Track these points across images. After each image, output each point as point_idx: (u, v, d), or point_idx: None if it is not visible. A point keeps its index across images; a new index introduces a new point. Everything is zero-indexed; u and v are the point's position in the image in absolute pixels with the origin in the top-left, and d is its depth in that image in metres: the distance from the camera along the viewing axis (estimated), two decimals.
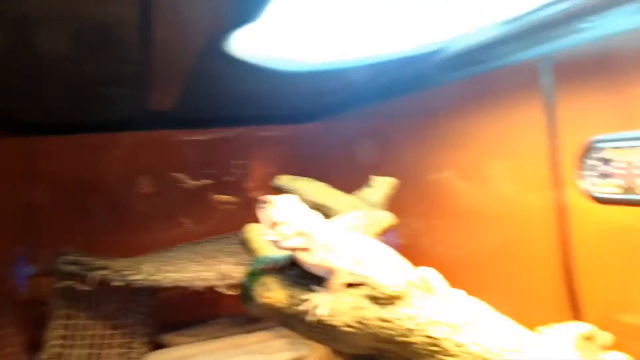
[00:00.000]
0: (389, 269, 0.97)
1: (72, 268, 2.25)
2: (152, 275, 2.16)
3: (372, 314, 0.93)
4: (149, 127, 2.70)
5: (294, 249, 0.97)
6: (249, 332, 2.50)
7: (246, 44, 1.21)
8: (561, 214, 1.18)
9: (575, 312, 1.17)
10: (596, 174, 0.99)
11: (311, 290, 0.98)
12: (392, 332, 0.92)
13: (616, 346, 0.94)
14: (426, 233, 1.81)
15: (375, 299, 0.93)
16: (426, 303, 0.93)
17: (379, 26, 1.18)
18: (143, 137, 2.79)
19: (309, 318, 0.96)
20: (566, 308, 1.19)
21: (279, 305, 1.01)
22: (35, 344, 2.41)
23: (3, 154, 2.49)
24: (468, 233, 1.62)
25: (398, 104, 1.99)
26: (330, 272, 0.96)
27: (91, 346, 2.42)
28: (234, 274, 2.14)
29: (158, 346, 2.50)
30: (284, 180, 1.62)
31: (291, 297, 1.00)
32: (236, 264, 2.18)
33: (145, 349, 2.47)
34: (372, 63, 1.50)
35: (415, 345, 0.91)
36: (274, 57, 1.34)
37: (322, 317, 0.95)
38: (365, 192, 1.59)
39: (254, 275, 1.04)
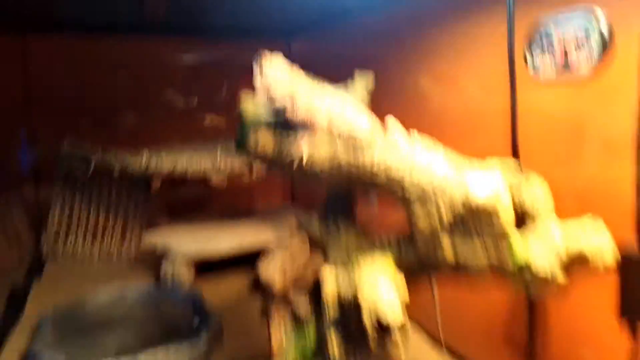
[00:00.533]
0: (359, 119, 1.16)
1: (72, 158, 2.40)
2: (148, 164, 2.32)
3: (345, 160, 1.13)
4: (145, 32, 2.78)
5: (282, 109, 1.15)
6: (238, 221, 2.72)
7: None
8: (512, 92, 1.38)
9: None
10: (539, 52, 1.17)
11: (295, 139, 1.17)
12: (360, 175, 1.12)
13: None
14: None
15: (347, 147, 1.13)
16: (388, 150, 1.12)
17: None
18: (141, 43, 2.88)
19: (293, 163, 1.16)
20: None
21: (268, 152, 1.20)
22: (37, 226, 2.62)
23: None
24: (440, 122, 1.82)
25: (379, 19, 2.13)
26: (311, 125, 1.15)
27: (91, 228, 2.62)
28: (227, 165, 2.33)
29: None
30: None
31: (278, 144, 1.19)
32: (228, 155, 2.37)
33: (140, 238, 2.68)
34: None
35: (379, 183, 1.12)
36: None
37: (304, 162, 1.15)
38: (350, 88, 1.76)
39: (247, 127, 1.22)
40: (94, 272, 2.58)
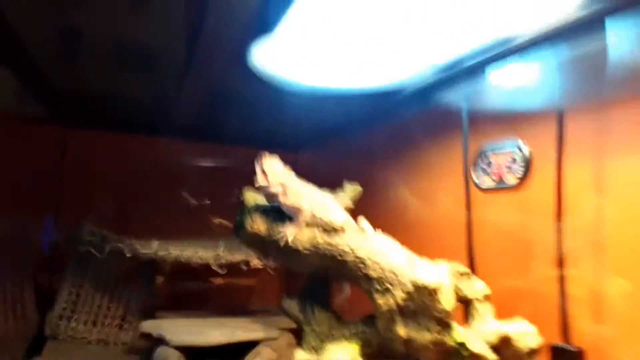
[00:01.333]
0: (335, 212, 1.44)
1: (91, 238, 2.65)
2: (159, 250, 2.57)
3: (322, 240, 1.39)
4: (171, 134, 3.17)
5: (275, 194, 1.43)
6: (231, 317, 2.86)
7: (262, 59, 1.71)
8: (467, 203, 1.67)
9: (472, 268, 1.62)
10: (482, 171, 1.50)
11: (284, 224, 1.44)
12: (334, 253, 1.37)
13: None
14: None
15: (325, 230, 1.39)
16: (357, 237, 1.39)
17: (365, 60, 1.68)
18: (166, 143, 3.27)
19: (280, 243, 1.42)
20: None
21: (261, 234, 1.47)
22: (47, 304, 2.79)
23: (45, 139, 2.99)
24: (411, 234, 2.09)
25: (371, 135, 2.51)
26: (298, 212, 1.42)
27: (93, 312, 2.78)
28: (227, 257, 2.57)
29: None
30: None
31: (270, 228, 1.46)
32: (230, 250, 2.61)
33: (137, 323, 2.81)
34: (354, 94, 2.01)
35: (349, 263, 1.36)
36: (283, 77, 1.85)
37: (289, 243, 1.41)
38: (338, 195, 2.07)
39: (246, 212, 1.49)
40: (90, 355, 2.68)
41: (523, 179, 1.44)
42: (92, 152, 3.16)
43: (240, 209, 1.52)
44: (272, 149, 3.59)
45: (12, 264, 2.71)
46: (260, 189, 1.46)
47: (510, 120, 1.54)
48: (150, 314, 2.84)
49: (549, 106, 1.42)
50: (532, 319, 1.31)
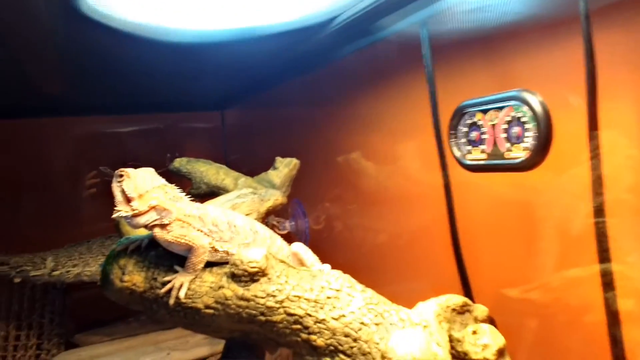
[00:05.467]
0: (252, 244, 0.90)
1: None
2: (54, 270, 2.03)
3: (233, 293, 0.86)
4: (51, 113, 2.51)
5: (148, 226, 0.88)
6: (167, 329, 2.39)
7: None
8: (445, 186, 1.14)
9: (465, 284, 1.13)
10: (466, 140, 0.95)
11: (171, 271, 0.90)
12: (252, 312, 0.85)
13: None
14: (331, 214, 1.77)
15: (235, 277, 0.86)
16: (289, 279, 0.86)
17: None
18: (52, 124, 2.61)
19: (169, 301, 0.88)
20: (456, 280, 1.16)
21: (138, 289, 0.93)
22: None
23: None
24: (368, 213, 1.58)
25: (301, 85, 1.95)
26: (189, 249, 0.88)
27: (2, 347, 2.27)
28: None
29: (71, 345, 2.36)
30: (181, 162, 1.53)
31: (151, 279, 0.92)
32: None
33: (57, 350, 2.34)
34: (266, 38, 1.43)
35: (278, 325, 0.84)
36: (153, 25, 1.24)
37: (181, 300, 0.88)
38: (269, 174, 1.53)
39: (112, 257, 0.94)
40: None
41: (536, 151, 0.88)
42: None
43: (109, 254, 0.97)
44: (196, 111, 3.07)
45: None
46: (125, 220, 0.91)
47: (506, 55, 0.99)
48: (68, 340, 2.35)
49: (565, 23, 0.88)
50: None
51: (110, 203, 0.91)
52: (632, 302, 0.84)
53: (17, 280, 2.03)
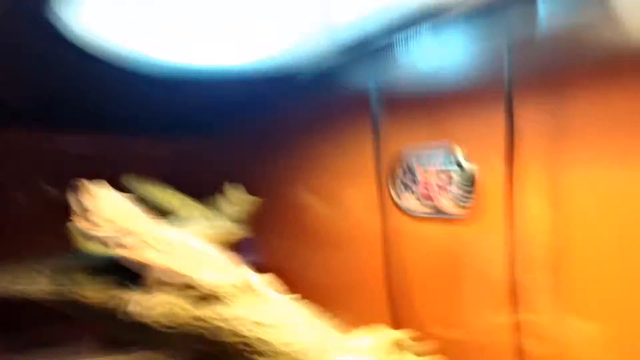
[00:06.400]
0: (209, 268, 0.96)
1: None
2: None
3: (186, 312, 0.91)
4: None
5: (105, 241, 0.92)
6: (110, 354, 2.30)
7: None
8: (383, 230, 1.25)
9: (395, 319, 1.23)
10: (404, 187, 1.07)
11: (125, 287, 0.94)
12: (202, 331, 0.90)
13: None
14: (281, 250, 1.84)
15: (191, 297, 0.91)
16: (243, 304, 0.93)
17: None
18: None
19: (120, 316, 0.92)
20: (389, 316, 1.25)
21: (89, 302, 0.95)
22: None
23: None
24: (315, 251, 1.66)
25: (261, 124, 2.04)
26: (144, 267, 0.93)
27: None
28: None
29: None
30: (133, 182, 1.56)
31: (103, 293, 0.95)
32: None
33: None
34: (229, 78, 1.51)
35: (227, 346, 0.90)
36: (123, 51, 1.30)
37: (133, 315, 0.91)
38: (221, 203, 1.58)
39: (66, 272, 0.97)
40: None
41: (467, 206, 1.01)
42: None
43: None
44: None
45: None
46: (86, 236, 0.94)
47: (441, 113, 1.13)
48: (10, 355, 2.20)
49: (492, 95, 1.03)
50: None
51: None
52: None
53: None
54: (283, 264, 1.85)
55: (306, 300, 1.00)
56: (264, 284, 1.04)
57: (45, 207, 2.60)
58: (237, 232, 1.39)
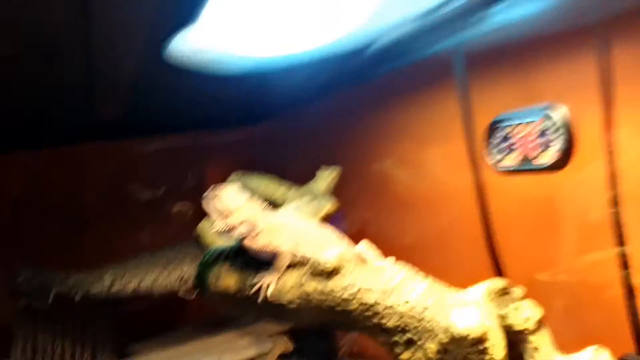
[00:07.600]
0: (325, 246, 1.08)
1: (31, 284, 2.25)
2: (111, 286, 2.19)
3: (312, 288, 1.04)
4: (99, 138, 2.70)
5: (240, 237, 1.07)
6: (215, 334, 2.55)
7: (187, 48, 1.28)
8: (479, 190, 1.32)
9: (498, 271, 1.30)
10: (498, 150, 1.13)
11: (258, 274, 1.08)
12: (331, 304, 1.02)
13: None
14: (370, 219, 1.94)
15: (314, 275, 1.04)
16: (359, 274, 1.04)
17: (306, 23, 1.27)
18: (95, 149, 2.79)
19: (258, 300, 1.06)
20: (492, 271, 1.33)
21: (230, 291, 1.11)
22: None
23: None
24: (405, 216, 1.75)
25: (338, 101, 2.11)
26: (273, 255, 1.06)
27: None
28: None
29: (124, 357, 2.51)
30: (235, 177, 1.72)
31: (241, 282, 1.10)
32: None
33: None
34: (308, 61, 1.59)
35: (353, 313, 1.02)
36: (215, 60, 1.42)
37: (269, 297, 1.06)
38: (313, 185, 1.71)
39: (206, 266, 1.13)
40: None
41: (561, 156, 1.06)
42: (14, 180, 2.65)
43: (199, 263, 1.15)
44: (223, 127, 3.22)
45: None
46: (219, 235, 1.09)
47: (529, 66, 1.16)
48: (122, 351, 2.51)
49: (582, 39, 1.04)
50: (594, 329, 1.02)
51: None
52: None
53: (77, 299, 2.20)
54: (374, 231, 1.97)
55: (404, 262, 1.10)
56: (369, 252, 1.15)
57: (154, 207, 2.88)
58: (333, 206, 1.50)
